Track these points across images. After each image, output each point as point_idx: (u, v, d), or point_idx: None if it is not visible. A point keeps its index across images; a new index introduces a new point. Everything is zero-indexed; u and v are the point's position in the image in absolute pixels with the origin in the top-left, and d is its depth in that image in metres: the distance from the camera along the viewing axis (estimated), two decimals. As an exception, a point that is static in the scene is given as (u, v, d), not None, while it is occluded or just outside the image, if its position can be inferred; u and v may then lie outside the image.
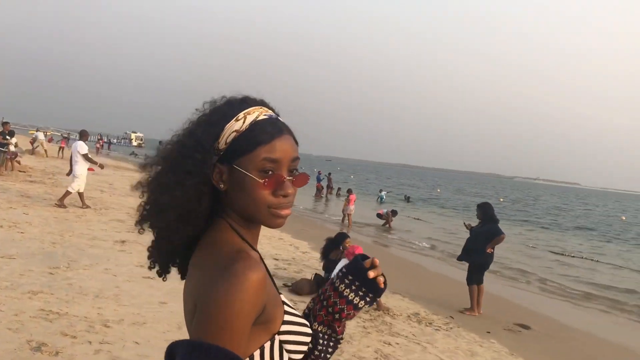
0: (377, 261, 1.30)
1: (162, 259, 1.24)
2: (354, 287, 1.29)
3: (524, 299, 10.79)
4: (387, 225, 20.86)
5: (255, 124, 1.13)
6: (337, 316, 1.30)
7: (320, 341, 1.30)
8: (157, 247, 1.21)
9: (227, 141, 1.13)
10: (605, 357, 7.49)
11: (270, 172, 1.11)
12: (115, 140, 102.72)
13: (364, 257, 1.32)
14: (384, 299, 7.80)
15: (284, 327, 1.14)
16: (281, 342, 1.13)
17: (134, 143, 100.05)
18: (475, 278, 8.52)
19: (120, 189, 17.28)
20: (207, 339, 0.99)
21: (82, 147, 11.94)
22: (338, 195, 33.88)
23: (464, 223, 9.41)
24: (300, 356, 1.17)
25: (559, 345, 7.60)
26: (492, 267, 9.13)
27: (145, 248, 1.27)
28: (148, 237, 1.22)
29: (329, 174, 37.75)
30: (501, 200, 55.99)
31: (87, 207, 11.97)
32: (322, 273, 8.14)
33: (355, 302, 1.28)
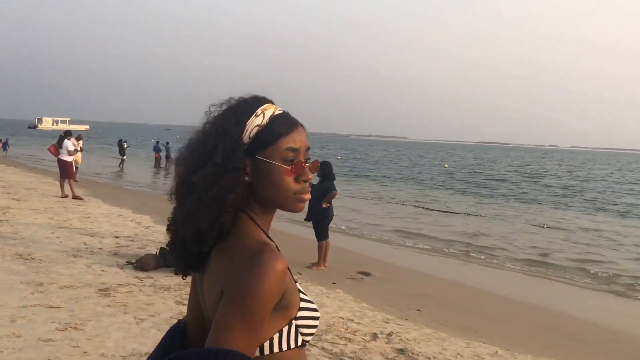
0: None
1: (192, 257, 1.26)
2: None
3: (364, 249, 11.61)
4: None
5: (274, 117, 1.25)
6: None
7: None
8: (190, 245, 1.23)
9: (251, 135, 1.23)
10: (435, 290, 8.39)
11: (291, 161, 1.23)
12: None
13: None
14: (234, 264, 7.88)
15: (300, 313, 1.25)
16: (297, 327, 1.24)
17: None
18: (321, 234, 8.96)
19: None
20: (233, 324, 1.11)
21: None
22: (179, 164, 32.97)
23: (306, 181, 9.77)
24: (311, 338, 1.29)
25: (396, 287, 8.34)
26: (334, 221, 9.64)
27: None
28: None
29: (167, 143, 36.50)
30: (339, 158, 58.74)
31: None
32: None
33: None
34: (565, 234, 15.75)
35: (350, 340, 5.29)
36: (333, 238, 9.56)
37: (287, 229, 13.50)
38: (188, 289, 6.57)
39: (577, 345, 6.46)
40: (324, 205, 8.82)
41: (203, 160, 1.21)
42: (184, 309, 5.74)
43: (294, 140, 1.24)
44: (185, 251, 1.25)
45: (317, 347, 4.97)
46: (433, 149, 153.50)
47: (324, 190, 8.89)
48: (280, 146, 1.22)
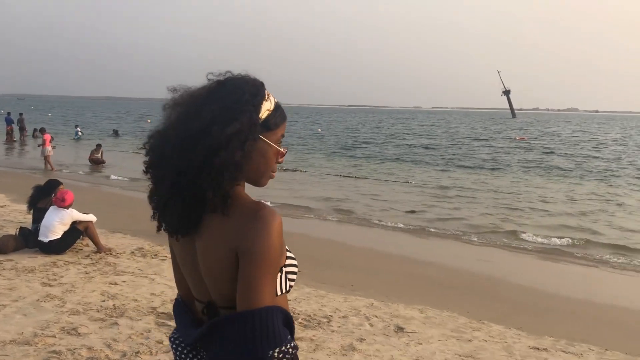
0: None
1: (194, 216, 1.36)
2: None
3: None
4: (100, 162, 19.90)
5: (277, 105, 1.44)
6: None
7: None
8: (195, 205, 1.34)
9: (262, 117, 1.39)
10: (312, 250, 8.62)
11: (279, 145, 1.44)
12: None
13: None
14: (104, 239, 7.51)
15: (287, 261, 1.43)
16: (286, 273, 1.41)
17: None
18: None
19: None
20: (260, 282, 1.28)
21: None
22: (35, 137, 30.53)
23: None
24: (294, 283, 1.45)
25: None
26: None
27: None
28: None
29: (21, 114, 33.43)
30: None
31: None
32: (29, 226, 7.40)
33: None
34: (427, 191, 16.86)
35: (231, 306, 5.31)
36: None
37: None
38: (55, 269, 6.20)
39: (442, 290, 7.05)
40: None
41: (246, 135, 1.33)
42: (52, 290, 5.41)
43: (285, 129, 1.46)
44: (186, 213, 1.36)
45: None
46: (305, 112, 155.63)
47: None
48: (278, 132, 1.43)
